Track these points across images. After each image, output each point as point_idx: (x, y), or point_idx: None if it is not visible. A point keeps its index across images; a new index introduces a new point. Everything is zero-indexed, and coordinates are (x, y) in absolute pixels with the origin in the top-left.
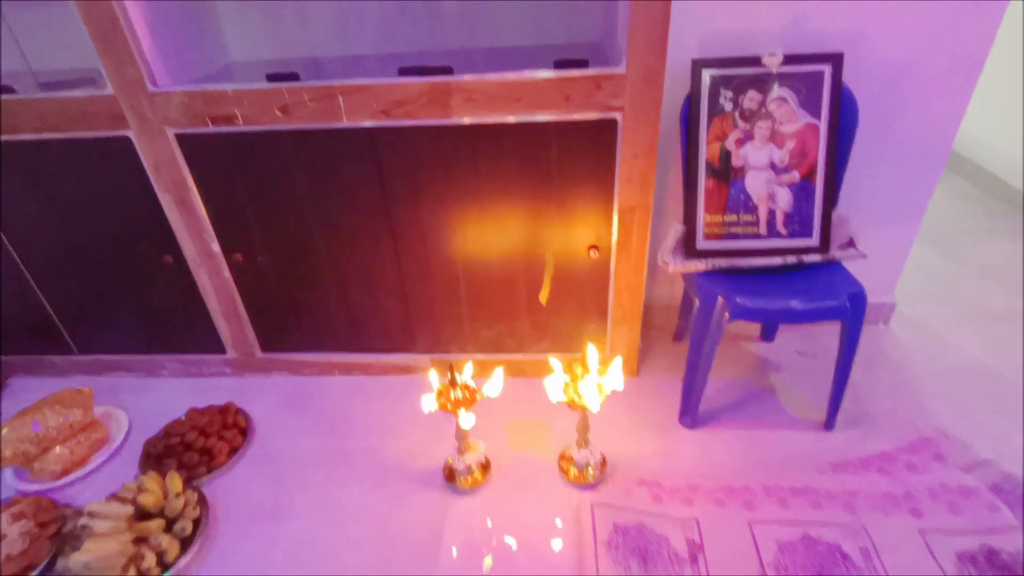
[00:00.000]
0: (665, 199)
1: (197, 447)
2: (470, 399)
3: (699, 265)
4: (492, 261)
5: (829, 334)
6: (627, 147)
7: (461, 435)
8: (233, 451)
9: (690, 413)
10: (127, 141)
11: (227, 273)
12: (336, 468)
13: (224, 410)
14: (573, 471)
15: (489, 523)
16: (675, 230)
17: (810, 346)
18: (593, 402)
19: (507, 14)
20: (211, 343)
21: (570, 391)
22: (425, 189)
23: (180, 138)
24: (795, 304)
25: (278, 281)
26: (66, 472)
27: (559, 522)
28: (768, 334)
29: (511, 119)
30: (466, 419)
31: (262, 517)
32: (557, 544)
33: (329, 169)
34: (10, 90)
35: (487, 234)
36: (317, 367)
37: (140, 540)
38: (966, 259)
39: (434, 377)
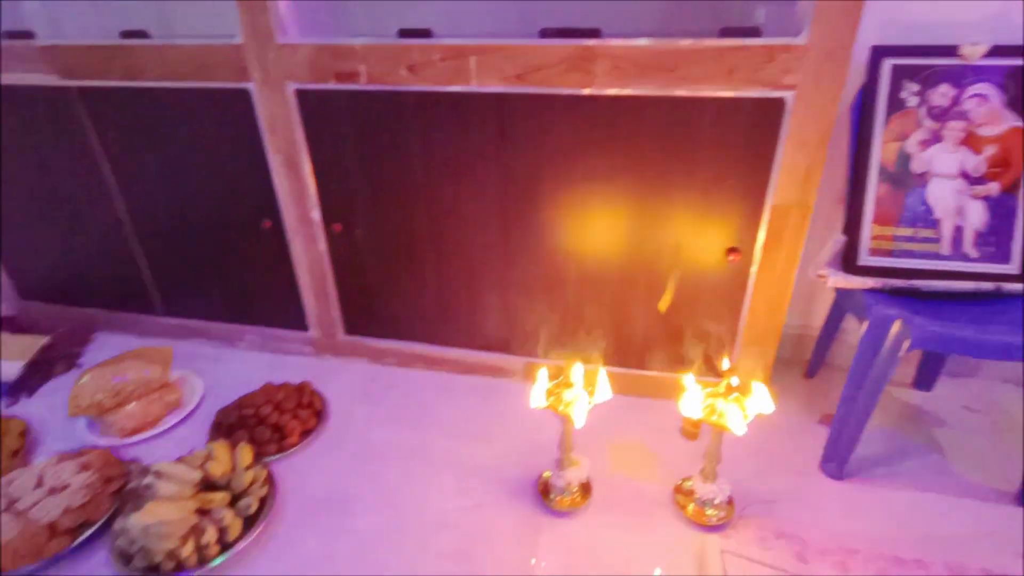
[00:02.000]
0: (818, 203)
1: (270, 423)
2: (585, 399)
3: (867, 282)
4: (610, 257)
5: (998, 390)
6: (794, 133)
7: (566, 445)
8: (306, 433)
9: (837, 460)
10: (246, 95)
11: (323, 244)
12: (413, 466)
13: (300, 389)
14: (692, 507)
15: (591, 553)
16: (835, 240)
17: (977, 401)
18: (737, 423)
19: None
20: (294, 319)
21: (708, 407)
22: (547, 168)
23: (300, 94)
24: (1000, 335)
25: (373, 257)
26: (136, 431)
27: (677, 565)
28: (926, 381)
29: (661, 92)
30: (581, 418)
31: (331, 508)
32: None
33: (446, 138)
34: (143, 34)
35: (610, 225)
36: (399, 357)
37: (202, 512)
38: None
39: (543, 374)
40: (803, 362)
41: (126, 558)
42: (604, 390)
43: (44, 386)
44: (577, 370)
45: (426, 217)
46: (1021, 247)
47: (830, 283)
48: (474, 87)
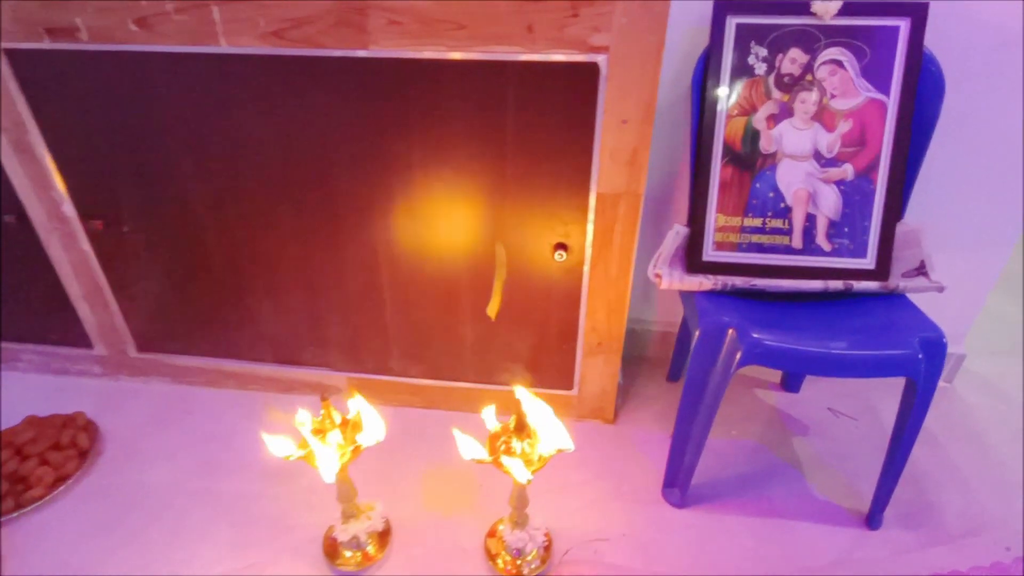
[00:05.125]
0: (674, 194)
1: (6, 473)
2: (352, 448)
3: (704, 282)
4: (425, 256)
5: (875, 389)
6: (612, 108)
7: (344, 495)
8: (60, 480)
9: (679, 485)
10: None
11: (86, 245)
12: (191, 516)
13: (67, 423)
14: (504, 557)
15: None
16: (676, 233)
17: (847, 403)
18: (520, 471)
19: None
20: (74, 335)
21: (495, 449)
22: (337, 148)
23: (12, 55)
24: (840, 348)
25: (153, 259)
26: None
27: None
28: (792, 382)
29: (453, 55)
30: (329, 472)
31: None
32: None
33: (206, 114)
34: None
35: (419, 218)
36: (206, 376)
37: None
38: None
39: (304, 416)
40: (668, 362)
41: None
42: (376, 430)
43: None
44: (356, 403)
45: (204, 209)
46: (878, 239)
47: (663, 285)
48: (225, 48)
